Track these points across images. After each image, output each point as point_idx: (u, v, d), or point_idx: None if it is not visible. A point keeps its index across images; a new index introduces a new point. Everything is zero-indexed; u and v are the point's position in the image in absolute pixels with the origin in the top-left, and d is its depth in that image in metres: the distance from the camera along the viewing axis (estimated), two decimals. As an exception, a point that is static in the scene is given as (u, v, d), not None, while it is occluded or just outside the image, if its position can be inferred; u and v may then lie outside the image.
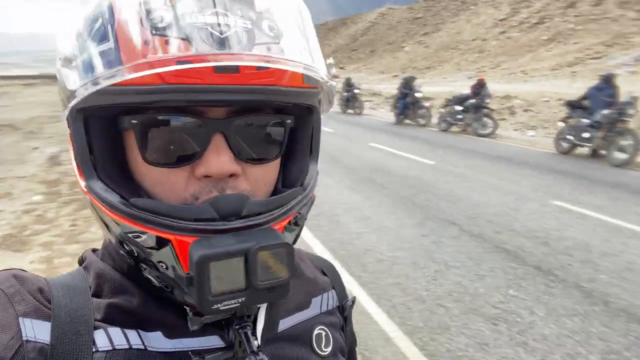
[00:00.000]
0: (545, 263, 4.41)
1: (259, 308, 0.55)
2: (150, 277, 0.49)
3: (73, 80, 0.46)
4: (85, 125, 0.47)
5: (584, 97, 10.16)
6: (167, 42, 0.41)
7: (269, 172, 0.53)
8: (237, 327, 0.49)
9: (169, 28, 0.42)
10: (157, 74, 0.41)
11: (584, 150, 10.13)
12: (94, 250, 0.58)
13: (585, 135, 9.71)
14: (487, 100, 13.18)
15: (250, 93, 0.45)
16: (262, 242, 0.44)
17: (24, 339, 0.45)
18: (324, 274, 0.72)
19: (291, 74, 0.47)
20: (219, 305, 0.43)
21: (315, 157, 0.57)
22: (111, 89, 0.43)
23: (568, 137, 10.22)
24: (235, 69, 0.43)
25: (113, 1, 0.44)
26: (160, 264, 0.46)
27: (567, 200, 6.50)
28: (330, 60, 0.55)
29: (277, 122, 0.52)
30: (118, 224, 0.47)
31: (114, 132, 0.48)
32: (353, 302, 0.72)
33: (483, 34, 40.68)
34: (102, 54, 0.43)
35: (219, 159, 0.46)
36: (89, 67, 0.44)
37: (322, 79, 0.49)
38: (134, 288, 0.52)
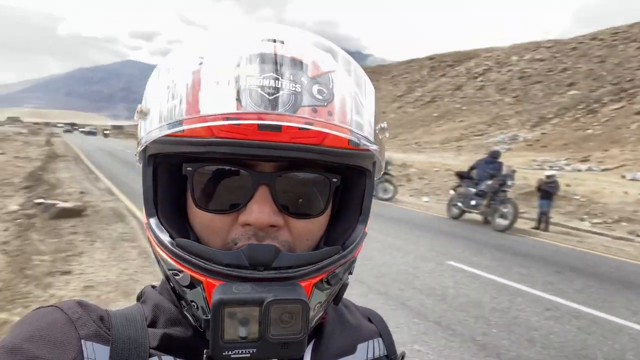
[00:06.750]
0: (444, 319, 4.71)
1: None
2: (188, 315, 0.53)
3: (143, 129, 0.52)
4: (155, 169, 0.53)
5: (472, 168, 11.38)
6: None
7: (313, 227, 0.54)
8: None
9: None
10: (209, 128, 0.46)
11: (473, 215, 11.16)
12: (153, 287, 0.61)
13: (472, 202, 10.77)
14: (389, 168, 14.21)
15: (292, 150, 0.47)
16: (278, 295, 0.44)
17: (85, 359, 0.48)
18: (370, 321, 0.70)
19: (335, 136, 0.48)
20: (230, 352, 0.43)
21: (365, 219, 0.57)
22: (168, 139, 0.49)
23: (458, 203, 11.29)
24: (278, 128, 0.46)
25: (183, 68, 0.51)
26: (193, 303, 0.50)
27: (460, 261, 7.07)
28: (384, 124, 0.57)
29: (322, 180, 0.53)
30: (164, 261, 0.51)
31: (179, 178, 0.53)
32: (402, 357, 0.69)
33: (383, 107, 44.01)
34: (169, 109, 0.49)
35: (260, 209, 0.49)
36: (155, 119, 0.50)
37: (366, 144, 0.51)
38: (188, 320, 0.54)
